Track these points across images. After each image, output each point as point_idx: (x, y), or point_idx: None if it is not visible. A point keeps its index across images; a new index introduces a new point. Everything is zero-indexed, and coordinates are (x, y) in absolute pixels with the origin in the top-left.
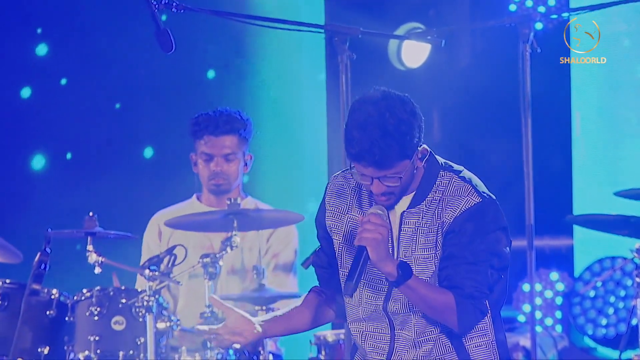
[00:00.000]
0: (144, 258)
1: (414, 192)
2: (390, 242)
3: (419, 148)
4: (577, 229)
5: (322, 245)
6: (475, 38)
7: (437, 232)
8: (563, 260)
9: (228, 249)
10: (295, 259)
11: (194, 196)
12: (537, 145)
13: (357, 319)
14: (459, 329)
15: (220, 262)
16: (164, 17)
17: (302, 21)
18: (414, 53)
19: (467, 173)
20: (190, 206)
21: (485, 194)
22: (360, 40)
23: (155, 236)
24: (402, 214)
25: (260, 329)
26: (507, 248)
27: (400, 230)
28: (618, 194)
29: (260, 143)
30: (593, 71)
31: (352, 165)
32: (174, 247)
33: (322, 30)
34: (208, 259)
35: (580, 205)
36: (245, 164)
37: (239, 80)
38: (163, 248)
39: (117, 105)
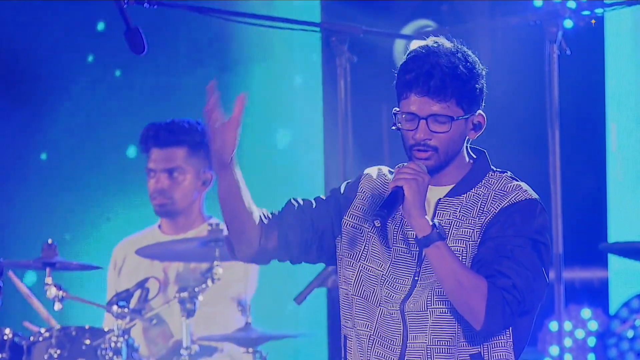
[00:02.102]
0: (109, 293)
1: (453, 184)
2: None
3: (478, 111)
4: (612, 258)
5: (323, 202)
6: (495, 37)
7: (476, 224)
8: (596, 295)
9: (209, 281)
10: (246, 294)
11: (157, 222)
12: (567, 162)
13: (368, 321)
14: (485, 323)
15: (200, 297)
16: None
17: (294, 18)
18: None
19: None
20: (151, 234)
21: (538, 198)
22: (362, 41)
23: (112, 266)
24: (437, 202)
25: (231, 159)
26: (546, 274)
27: (433, 218)
28: None
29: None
30: (631, 76)
31: (397, 111)
32: (145, 280)
33: (318, 29)
34: (185, 294)
35: (617, 231)
36: (204, 183)
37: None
38: (115, 279)
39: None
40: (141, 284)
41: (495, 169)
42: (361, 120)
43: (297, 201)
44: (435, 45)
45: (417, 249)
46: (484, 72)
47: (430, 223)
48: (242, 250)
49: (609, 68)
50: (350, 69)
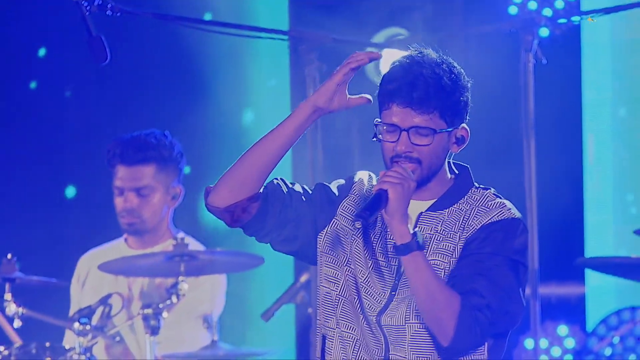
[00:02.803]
0: (72, 308)
1: (435, 199)
2: None
3: (462, 124)
4: (590, 274)
5: (308, 194)
6: (469, 46)
7: (458, 239)
8: (573, 311)
9: (173, 297)
10: (212, 312)
11: (124, 236)
12: (542, 174)
13: (354, 324)
14: (453, 340)
15: (164, 314)
16: None
17: (260, 26)
18: None
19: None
20: (115, 248)
21: (521, 218)
22: (331, 49)
23: (75, 279)
24: (419, 216)
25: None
26: (522, 296)
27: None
28: (638, 232)
29: (209, 172)
30: (609, 86)
31: (378, 122)
32: (108, 296)
33: (286, 37)
34: (149, 310)
35: (594, 246)
36: (173, 198)
37: (184, 95)
38: (79, 293)
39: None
40: (104, 300)
41: (478, 185)
42: (331, 132)
43: (285, 183)
44: (419, 55)
45: (397, 263)
46: (469, 85)
47: (411, 231)
48: (222, 197)
49: (586, 78)
50: (320, 78)
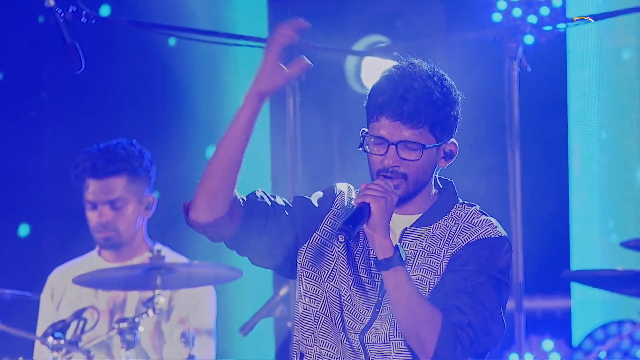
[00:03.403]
0: (40, 326)
1: (420, 214)
2: None
3: (451, 139)
4: (575, 287)
5: (290, 208)
6: (452, 54)
7: (442, 256)
8: (559, 325)
9: (150, 311)
10: (211, 326)
11: (97, 248)
12: (527, 186)
13: (334, 344)
14: (433, 358)
15: (141, 328)
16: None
17: (238, 33)
18: (376, 72)
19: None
20: (89, 262)
21: (506, 236)
22: (311, 57)
23: (49, 299)
24: (403, 231)
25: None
26: (504, 316)
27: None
28: (625, 244)
29: (186, 183)
30: (595, 95)
31: (365, 132)
32: (83, 310)
33: (264, 45)
34: (125, 324)
35: (580, 258)
36: (146, 208)
37: (160, 103)
38: (54, 311)
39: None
40: (78, 314)
41: (462, 201)
42: (311, 142)
43: (267, 196)
44: (410, 66)
45: (380, 279)
46: (460, 99)
47: (393, 245)
48: (201, 212)
49: (572, 87)
50: (299, 87)
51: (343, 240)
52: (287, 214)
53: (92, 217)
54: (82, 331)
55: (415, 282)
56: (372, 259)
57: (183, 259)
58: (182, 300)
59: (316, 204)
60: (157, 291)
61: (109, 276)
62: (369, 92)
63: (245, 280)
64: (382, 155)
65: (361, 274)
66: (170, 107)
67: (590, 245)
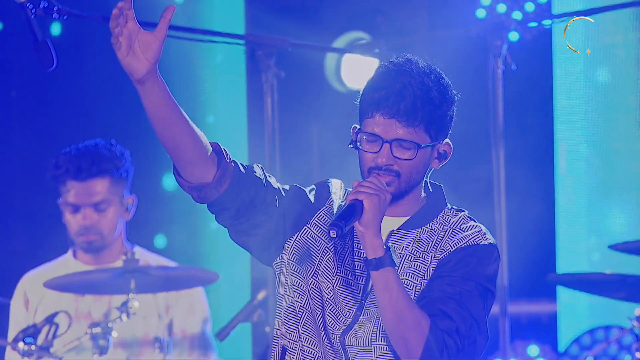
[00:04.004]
0: (11, 332)
1: (408, 217)
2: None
3: (445, 140)
4: (562, 291)
5: (283, 193)
6: (434, 51)
7: (429, 260)
8: (544, 330)
9: (123, 316)
10: (205, 331)
11: (70, 251)
12: (512, 185)
13: (317, 341)
14: None
15: (114, 333)
16: None
17: (215, 30)
18: (356, 70)
19: None
20: (65, 265)
21: (495, 244)
22: (290, 55)
23: (22, 305)
24: (390, 234)
25: (151, 65)
26: (487, 327)
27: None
28: (613, 247)
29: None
30: (581, 93)
31: (357, 129)
32: (54, 315)
33: (242, 42)
34: (98, 329)
35: (566, 261)
36: (127, 209)
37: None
38: (32, 319)
39: None
40: (50, 319)
41: (451, 206)
42: (290, 142)
43: (264, 174)
44: (407, 63)
45: (364, 282)
46: (456, 98)
47: (383, 247)
48: (185, 174)
49: (558, 84)
50: (278, 85)
51: (335, 235)
52: (279, 199)
53: (73, 220)
54: (54, 336)
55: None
56: (362, 258)
57: (166, 262)
58: (178, 305)
59: (312, 198)
60: (130, 295)
61: (82, 280)
62: (363, 87)
63: (222, 283)
64: (375, 153)
65: (345, 275)
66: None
67: (576, 248)
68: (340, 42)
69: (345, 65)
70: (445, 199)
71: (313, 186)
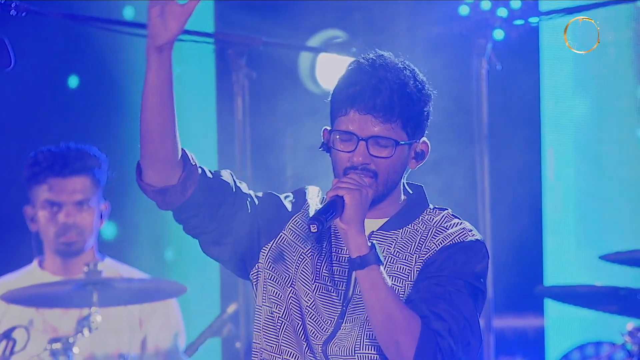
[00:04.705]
0: None
1: (387, 218)
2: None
3: (423, 138)
4: (549, 304)
5: (256, 199)
6: (415, 50)
7: (414, 261)
8: (531, 346)
9: (85, 331)
10: (178, 346)
11: (35, 261)
12: (497, 193)
13: (298, 353)
14: None
15: (75, 349)
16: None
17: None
18: (332, 70)
19: None
20: (31, 275)
21: (483, 240)
22: (262, 54)
23: None
24: (369, 236)
25: (174, 35)
26: (480, 328)
27: None
28: (604, 257)
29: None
30: (570, 95)
31: (331, 129)
32: (12, 330)
33: (211, 40)
34: (58, 345)
35: (554, 273)
36: (101, 216)
37: (99, 103)
38: None
39: None
40: (7, 334)
41: (433, 206)
42: (261, 146)
43: (233, 180)
44: (380, 58)
45: (344, 287)
46: (432, 94)
47: (368, 245)
48: (150, 177)
49: (546, 86)
50: (249, 86)
51: (315, 230)
52: (251, 205)
53: (52, 220)
54: (12, 352)
55: None
56: (342, 261)
57: (140, 274)
58: (152, 319)
59: (287, 205)
60: (93, 309)
61: (42, 292)
62: (334, 85)
63: (190, 296)
64: (350, 152)
65: (325, 281)
66: (109, 108)
67: (565, 258)
68: (314, 40)
69: (320, 65)
70: (427, 199)
71: (289, 193)
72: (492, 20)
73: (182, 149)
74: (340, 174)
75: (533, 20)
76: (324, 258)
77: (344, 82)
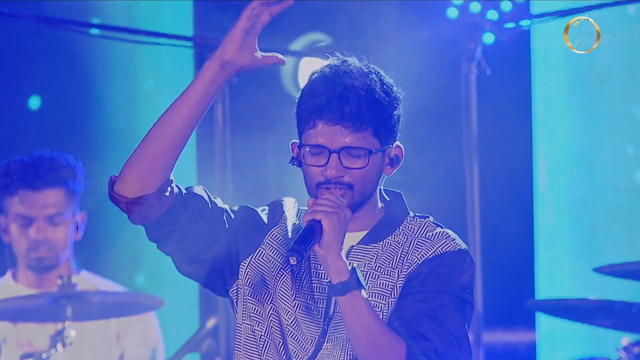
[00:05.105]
0: None
1: (367, 230)
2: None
3: (395, 142)
4: (541, 318)
5: (232, 214)
6: (402, 55)
7: (396, 276)
8: None
9: (59, 346)
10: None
11: (8, 273)
12: (487, 202)
13: None
14: None
15: None
16: None
17: (160, 31)
18: None
19: None
20: (4, 288)
21: (467, 249)
22: None
23: None
24: (349, 250)
25: (243, 62)
26: (469, 341)
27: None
28: (599, 270)
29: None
30: (563, 101)
31: (298, 143)
32: None
33: (190, 44)
34: None
35: (546, 286)
36: (77, 227)
37: (73, 110)
38: None
39: None
40: None
41: (413, 213)
42: (242, 153)
43: (207, 195)
44: (344, 64)
45: (325, 305)
46: (401, 96)
47: (349, 267)
48: (130, 185)
49: (537, 91)
50: (229, 91)
51: (295, 262)
52: (227, 220)
53: (23, 235)
54: None
55: None
56: (322, 280)
57: (118, 287)
58: (130, 334)
59: (264, 218)
60: (67, 323)
61: (13, 306)
62: (298, 97)
63: (168, 310)
64: (322, 166)
65: (305, 299)
66: (85, 115)
67: (557, 271)
68: (297, 44)
69: (303, 70)
70: (407, 207)
71: (265, 206)
72: (481, 23)
73: None
74: (312, 189)
75: (524, 23)
76: (303, 274)
77: (309, 93)
